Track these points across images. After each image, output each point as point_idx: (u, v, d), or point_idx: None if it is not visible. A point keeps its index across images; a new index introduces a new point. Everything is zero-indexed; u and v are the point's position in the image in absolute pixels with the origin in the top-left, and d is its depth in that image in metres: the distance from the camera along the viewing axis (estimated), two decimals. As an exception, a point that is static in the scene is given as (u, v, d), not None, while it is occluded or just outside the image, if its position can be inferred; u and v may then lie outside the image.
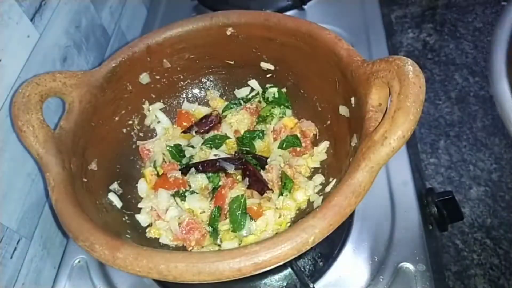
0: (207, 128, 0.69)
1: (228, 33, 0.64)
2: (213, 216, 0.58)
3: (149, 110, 0.68)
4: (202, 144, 0.67)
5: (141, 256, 0.40)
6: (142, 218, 0.60)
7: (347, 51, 0.53)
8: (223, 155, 0.64)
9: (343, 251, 0.58)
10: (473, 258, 0.88)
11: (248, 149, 0.66)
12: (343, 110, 0.56)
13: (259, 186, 0.59)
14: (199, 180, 0.62)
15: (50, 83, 0.55)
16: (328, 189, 0.56)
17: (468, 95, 1.39)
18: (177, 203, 0.60)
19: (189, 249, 0.57)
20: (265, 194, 0.59)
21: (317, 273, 0.56)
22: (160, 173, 0.64)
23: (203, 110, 0.71)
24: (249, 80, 0.70)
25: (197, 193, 0.61)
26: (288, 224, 0.57)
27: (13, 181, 0.58)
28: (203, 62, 0.69)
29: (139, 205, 0.61)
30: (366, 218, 0.60)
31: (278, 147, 0.64)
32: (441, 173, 1.05)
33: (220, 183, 0.61)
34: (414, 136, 0.92)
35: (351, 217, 0.60)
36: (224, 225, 0.58)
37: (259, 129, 0.67)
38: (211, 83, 0.72)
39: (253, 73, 0.69)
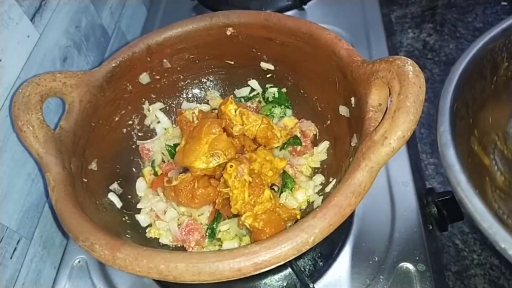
0: (207, 127, 0.69)
1: (228, 33, 0.64)
2: (214, 218, 0.58)
3: (149, 110, 0.68)
4: (202, 144, 0.67)
5: (141, 256, 0.40)
6: (142, 218, 0.60)
7: (347, 51, 0.53)
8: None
9: (343, 251, 0.58)
10: (473, 258, 0.88)
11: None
12: (343, 110, 0.56)
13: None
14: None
15: (50, 83, 0.55)
16: (328, 189, 0.56)
17: (468, 95, 1.38)
18: (172, 205, 0.60)
19: (189, 250, 0.57)
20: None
21: (317, 273, 0.56)
22: (158, 173, 0.64)
23: (204, 108, 0.71)
24: (249, 80, 0.70)
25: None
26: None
27: (13, 181, 0.58)
28: (203, 62, 0.69)
29: (138, 206, 0.61)
30: (366, 218, 0.60)
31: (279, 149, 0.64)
32: (441, 173, 1.05)
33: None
34: (414, 136, 0.92)
35: (351, 217, 0.60)
36: (224, 225, 0.58)
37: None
38: (211, 83, 0.72)
39: (253, 73, 0.69)
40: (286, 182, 0.59)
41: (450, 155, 0.36)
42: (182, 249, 0.58)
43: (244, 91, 0.71)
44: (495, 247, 0.30)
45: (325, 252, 0.58)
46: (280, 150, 0.64)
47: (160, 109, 0.69)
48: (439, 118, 0.38)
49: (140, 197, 0.63)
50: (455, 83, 0.40)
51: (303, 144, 0.63)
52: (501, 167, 0.43)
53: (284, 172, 0.60)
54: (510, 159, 0.45)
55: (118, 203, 0.59)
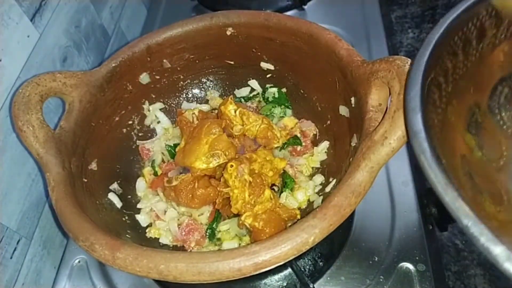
0: (207, 127, 0.68)
1: (228, 33, 0.64)
2: (214, 218, 0.58)
3: (149, 110, 0.68)
4: (202, 144, 0.66)
5: (141, 256, 0.40)
6: (142, 218, 0.60)
7: (347, 51, 0.53)
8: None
9: (343, 251, 0.58)
10: (473, 258, 0.88)
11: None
12: (343, 110, 0.56)
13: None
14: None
15: (50, 83, 0.55)
16: (328, 189, 0.56)
17: (468, 95, 1.38)
18: (172, 205, 0.60)
19: (189, 250, 0.57)
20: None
21: (317, 273, 0.56)
22: (158, 173, 0.64)
23: (204, 108, 0.71)
24: (249, 80, 0.70)
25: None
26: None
27: (13, 181, 0.58)
28: (203, 62, 0.69)
29: (138, 206, 0.61)
30: (366, 218, 0.60)
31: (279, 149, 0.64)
32: (441, 173, 1.05)
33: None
34: (414, 136, 0.92)
35: (351, 217, 0.60)
36: (224, 225, 0.58)
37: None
38: (211, 83, 0.72)
39: (253, 73, 0.69)
40: (286, 182, 0.59)
41: (417, 122, 0.33)
42: (182, 249, 0.58)
43: (244, 91, 0.71)
44: (458, 225, 0.29)
45: (325, 252, 0.58)
46: (280, 150, 0.64)
47: (160, 109, 0.69)
48: (410, 83, 0.35)
49: (140, 197, 0.63)
50: (432, 47, 0.37)
51: (303, 144, 0.63)
52: (478, 142, 0.41)
53: (284, 172, 0.60)
54: (489, 133, 0.42)
55: (118, 203, 0.59)
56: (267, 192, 0.54)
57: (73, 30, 0.74)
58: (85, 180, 0.55)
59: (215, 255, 0.39)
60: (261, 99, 0.70)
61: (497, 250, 0.26)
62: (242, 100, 0.71)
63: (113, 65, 0.61)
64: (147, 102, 0.68)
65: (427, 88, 0.35)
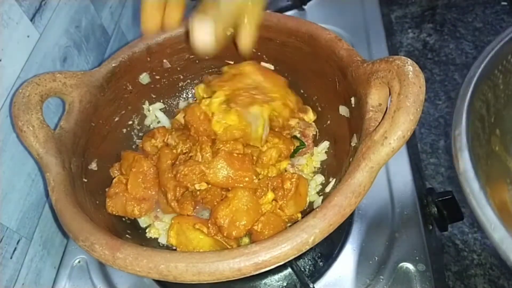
0: (207, 128, 0.68)
1: (228, 33, 0.64)
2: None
3: (149, 110, 0.68)
4: (202, 144, 0.66)
5: (141, 256, 0.40)
6: (142, 219, 0.60)
7: (347, 51, 0.53)
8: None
9: (343, 251, 0.58)
10: (473, 258, 0.88)
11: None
12: (343, 110, 0.56)
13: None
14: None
15: (50, 83, 0.55)
16: (328, 189, 0.56)
17: (468, 95, 1.38)
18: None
19: (189, 249, 0.57)
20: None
21: (317, 273, 0.56)
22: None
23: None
24: (249, 80, 0.70)
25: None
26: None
27: (13, 181, 0.58)
28: (203, 62, 0.69)
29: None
30: (366, 218, 0.60)
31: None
32: (441, 173, 1.05)
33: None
34: (414, 136, 0.92)
35: (351, 217, 0.60)
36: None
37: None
38: (211, 83, 0.72)
39: (253, 73, 0.69)
40: (286, 182, 0.59)
41: (465, 160, 0.35)
42: (182, 249, 0.58)
43: (244, 91, 0.71)
44: (506, 262, 0.30)
45: (325, 252, 0.58)
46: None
47: (160, 109, 0.69)
48: (455, 120, 0.37)
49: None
50: (474, 82, 0.39)
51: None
52: None
53: (286, 172, 0.60)
54: None
55: (118, 203, 0.59)
56: (270, 195, 0.54)
57: (73, 30, 0.74)
58: (85, 180, 0.55)
59: (215, 255, 0.39)
60: (261, 99, 0.70)
61: None
62: (242, 100, 0.70)
63: (113, 65, 0.61)
64: (147, 102, 0.68)
65: (471, 122, 0.37)
